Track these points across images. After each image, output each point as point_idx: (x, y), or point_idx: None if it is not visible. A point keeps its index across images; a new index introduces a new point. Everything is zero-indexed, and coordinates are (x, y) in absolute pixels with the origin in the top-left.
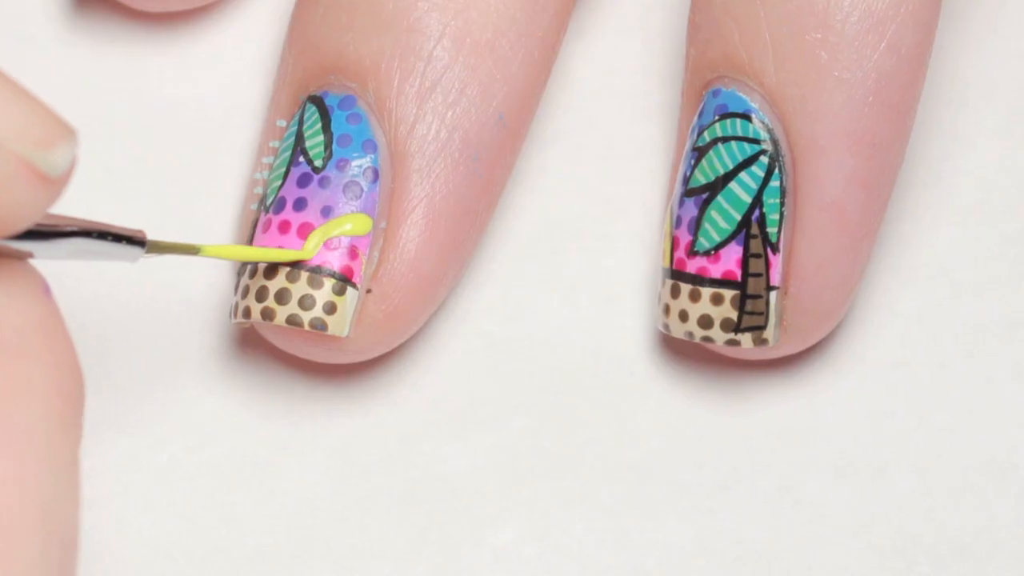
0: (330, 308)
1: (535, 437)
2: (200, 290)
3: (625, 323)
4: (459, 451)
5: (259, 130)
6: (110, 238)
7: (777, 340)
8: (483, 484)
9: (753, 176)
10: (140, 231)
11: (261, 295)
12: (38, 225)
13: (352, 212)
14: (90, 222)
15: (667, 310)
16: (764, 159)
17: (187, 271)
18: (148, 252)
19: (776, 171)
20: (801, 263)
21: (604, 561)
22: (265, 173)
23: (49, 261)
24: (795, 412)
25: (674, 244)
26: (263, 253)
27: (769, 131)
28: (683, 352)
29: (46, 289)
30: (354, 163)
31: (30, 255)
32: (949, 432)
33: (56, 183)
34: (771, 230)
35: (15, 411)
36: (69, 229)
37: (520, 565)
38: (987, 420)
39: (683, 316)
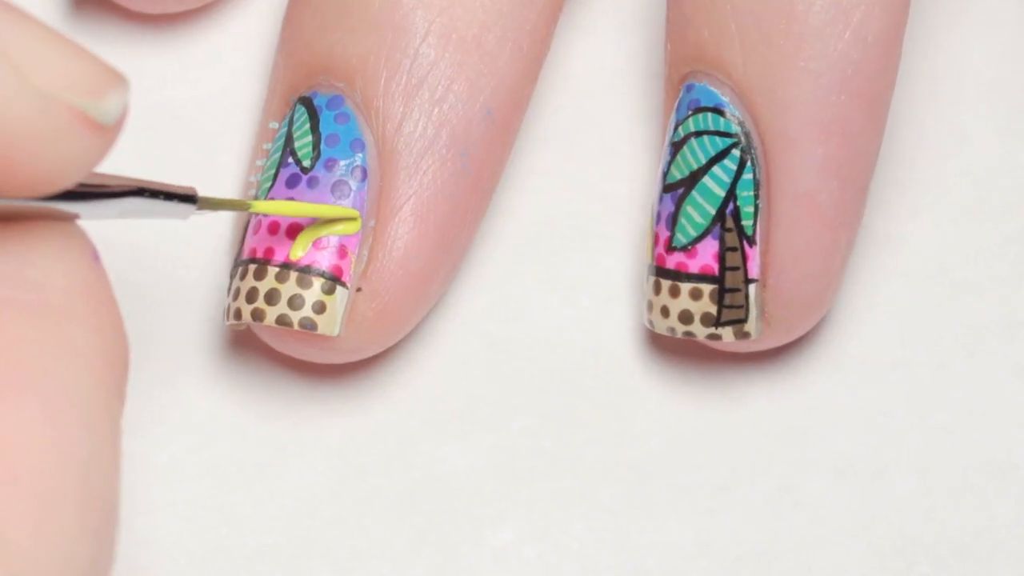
0: (319, 307)
1: (535, 437)
2: (200, 290)
3: (625, 323)
4: (458, 451)
5: (256, 132)
6: (162, 196)
7: (760, 333)
8: (482, 484)
9: (726, 170)
10: (191, 188)
11: (251, 296)
12: (88, 185)
13: None
14: (141, 180)
15: (650, 306)
16: (736, 152)
17: (188, 271)
18: (199, 209)
19: (749, 164)
20: (778, 255)
21: (604, 561)
22: (258, 175)
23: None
24: (795, 412)
25: (655, 240)
26: (313, 208)
27: (741, 124)
28: (683, 351)
29: (95, 255)
30: (342, 162)
31: (77, 216)
32: (949, 432)
33: (109, 131)
34: (746, 223)
35: (57, 374)
36: (119, 189)
37: (519, 565)
38: (987, 420)
39: (664, 312)
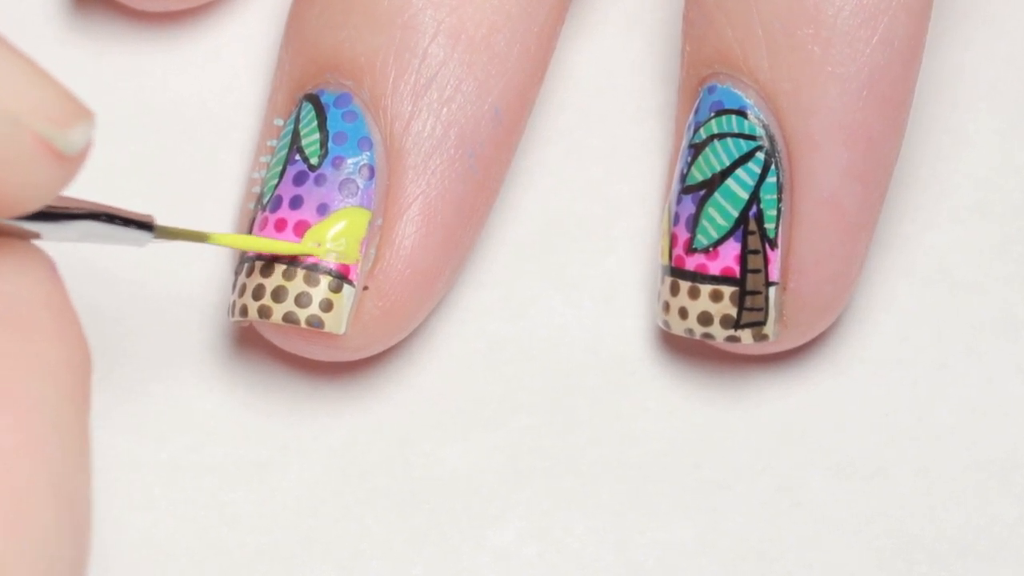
0: (327, 305)
1: (536, 437)
2: (201, 288)
3: (626, 322)
4: (459, 451)
5: (259, 129)
6: (119, 222)
7: (777, 335)
8: (483, 484)
9: (750, 172)
10: (149, 216)
11: (258, 293)
12: (48, 207)
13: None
14: (99, 205)
15: (667, 307)
16: (760, 155)
17: (188, 268)
18: (156, 237)
19: (773, 167)
20: (800, 258)
21: (604, 561)
22: (263, 172)
23: (59, 245)
24: (796, 412)
25: (672, 241)
26: (271, 244)
27: (765, 127)
28: (684, 351)
29: (53, 267)
30: (350, 160)
31: (37, 235)
32: (949, 431)
33: (72, 162)
34: (769, 226)
35: (25, 385)
36: (79, 211)
37: (520, 565)
38: (988, 420)
39: (683, 313)
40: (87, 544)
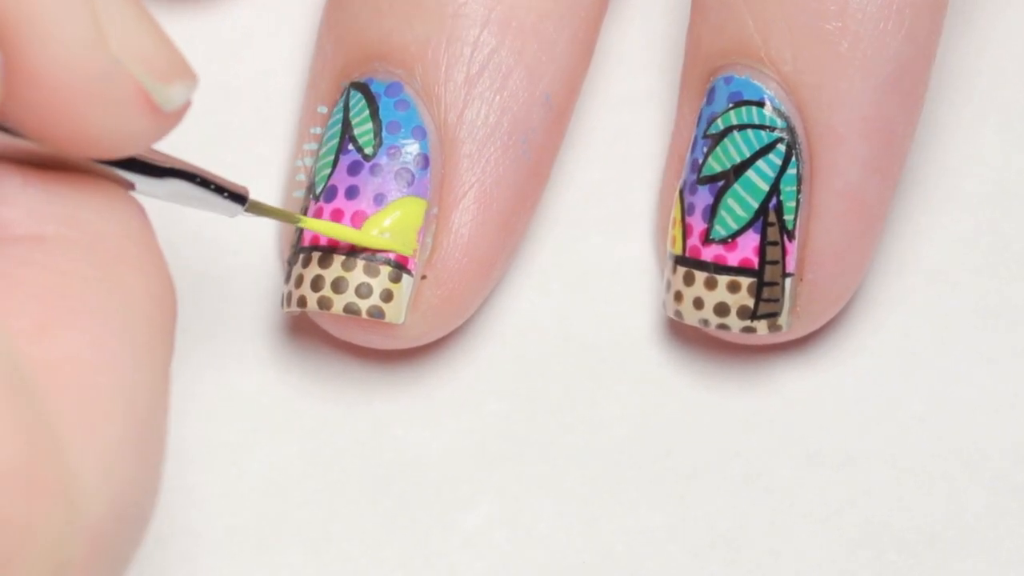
0: (387, 296)
1: (506, 422)
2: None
3: (595, 311)
4: (430, 435)
5: (293, 114)
6: (212, 187)
7: (790, 326)
8: (453, 469)
9: (771, 164)
10: (244, 187)
11: (316, 284)
12: (144, 159)
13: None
14: (196, 167)
15: (678, 297)
16: (782, 147)
17: (178, 261)
18: (248, 211)
19: (793, 159)
20: (819, 250)
21: (574, 546)
22: (308, 160)
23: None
24: (765, 400)
25: (686, 231)
26: (360, 237)
27: (785, 118)
28: (653, 340)
29: (141, 209)
30: (404, 150)
31: (132, 186)
32: (919, 421)
33: (167, 118)
34: (788, 217)
35: (104, 308)
36: (174, 168)
37: (489, 550)
38: (957, 409)
39: (698, 303)
40: (157, 469)
